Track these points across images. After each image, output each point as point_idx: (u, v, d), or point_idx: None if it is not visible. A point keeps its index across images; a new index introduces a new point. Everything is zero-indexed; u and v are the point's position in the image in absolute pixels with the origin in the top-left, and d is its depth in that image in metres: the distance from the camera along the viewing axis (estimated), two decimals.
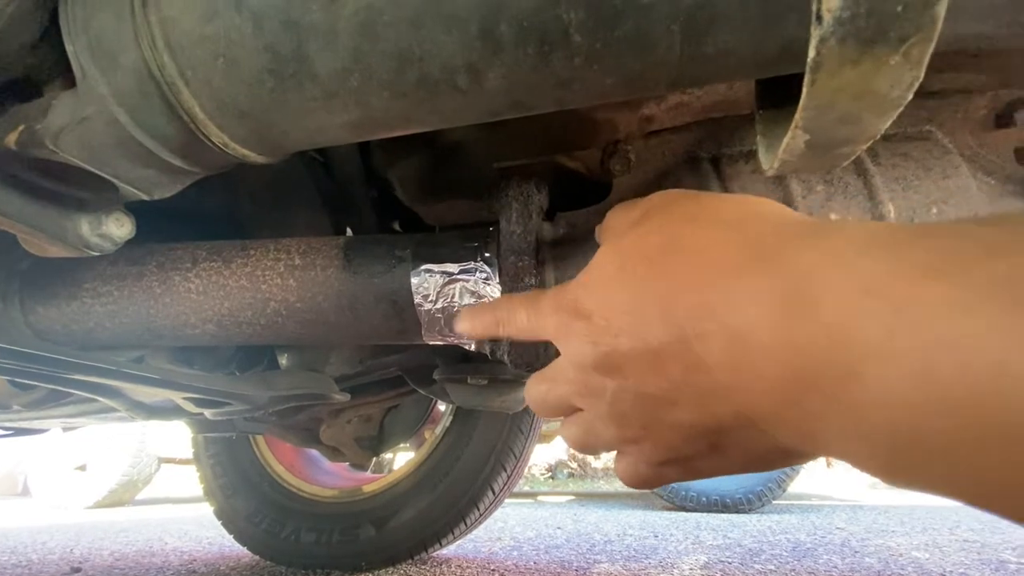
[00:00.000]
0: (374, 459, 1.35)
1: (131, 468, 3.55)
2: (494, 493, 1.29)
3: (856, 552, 1.76)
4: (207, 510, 1.90)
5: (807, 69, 0.20)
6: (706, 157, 0.45)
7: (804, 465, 2.96)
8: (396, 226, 0.86)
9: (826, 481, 4.86)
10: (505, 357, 0.47)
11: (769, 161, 0.28)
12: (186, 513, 3.12)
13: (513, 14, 0.24)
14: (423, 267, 0.49)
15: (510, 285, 0.46)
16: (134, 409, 0.65)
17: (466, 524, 1.28)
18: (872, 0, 0.17)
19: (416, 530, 1.26)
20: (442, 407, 1.40)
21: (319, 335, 0.51)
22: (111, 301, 0.53)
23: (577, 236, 0.49)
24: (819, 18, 0.18)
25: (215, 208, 0.68)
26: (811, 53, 0.19)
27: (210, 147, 0.31)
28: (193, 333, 0.53)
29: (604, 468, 5.34)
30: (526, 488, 4.74)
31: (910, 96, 0.21)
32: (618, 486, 4.74)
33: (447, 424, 1.32)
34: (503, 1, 0.24)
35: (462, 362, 0.79)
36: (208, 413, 0.69)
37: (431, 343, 0.52)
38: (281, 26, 0.25)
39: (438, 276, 0.49)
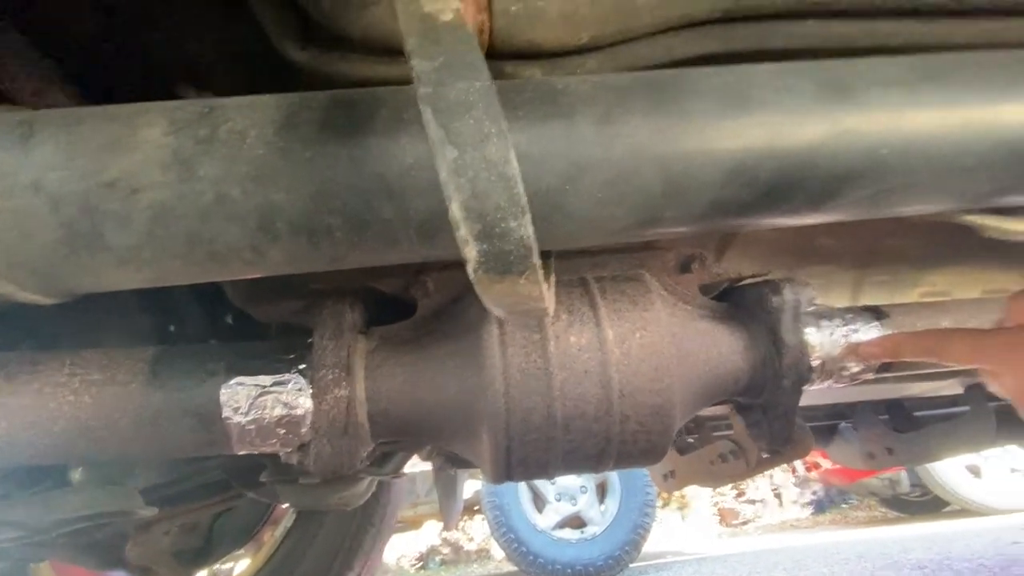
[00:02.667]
0: (203, 573, 1.19)
1: None
2: None
3: None
4: None
5: (473, 282, 0.30)
6: None
7: (656, 523, 3.21)
8: (229, 319, 0.85)
9: (679, 535, 5.24)
10: (311, 466, 0.51)
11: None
12: None
13: (286, 217, 0.32)
14: (235, 380, 0.51)
15: (320, 397, 0.51)
16: None
17: None
18: (493, 253, 0.28)
19: None
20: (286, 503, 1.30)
21: (114, 452, 0.49)
22: None
23: (390, 348, 0.56)
24: (467, 260, 0.28)
25: (3, 312, 0.63)
26: (471, 276, 0.29)
27: None
28: None
29: (478, 550, 5.14)
30: None
31: (547, 291, 0.32)
32: (491, 568, 4.58)
33: (288, 524, 1.23)
34: (277, 207, 0.32)
35: None
36: None
37: (242, 453, 0.54)
38: (78, 210, 0.30)
39: (251, 388, 0.51)
